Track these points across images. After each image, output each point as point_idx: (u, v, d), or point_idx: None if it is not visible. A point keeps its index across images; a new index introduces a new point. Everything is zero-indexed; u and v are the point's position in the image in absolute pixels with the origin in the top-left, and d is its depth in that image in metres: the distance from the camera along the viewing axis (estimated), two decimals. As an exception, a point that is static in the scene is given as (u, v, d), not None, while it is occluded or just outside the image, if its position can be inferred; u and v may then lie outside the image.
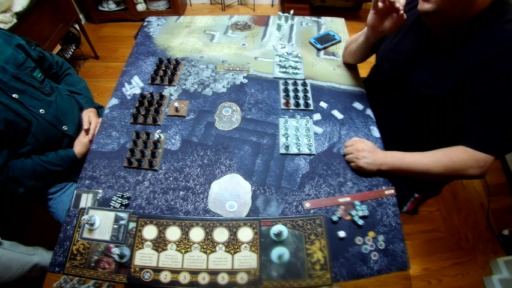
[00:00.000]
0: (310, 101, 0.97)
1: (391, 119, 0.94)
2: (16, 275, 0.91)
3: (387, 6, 0.74)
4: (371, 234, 0.72)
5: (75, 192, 0.78)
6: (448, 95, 0.74)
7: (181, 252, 0.68)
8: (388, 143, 0.88)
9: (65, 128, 0.97)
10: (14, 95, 0.84)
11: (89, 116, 1.03)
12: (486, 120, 0.69)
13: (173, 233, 0.71)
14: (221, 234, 0.71)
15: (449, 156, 0.73)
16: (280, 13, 1.21)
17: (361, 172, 0.80)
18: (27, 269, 0.95)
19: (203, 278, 0.66)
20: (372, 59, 1.02)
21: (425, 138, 0.88)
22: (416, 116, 0.86)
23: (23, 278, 0.93)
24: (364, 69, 1.12)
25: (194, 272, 0.66)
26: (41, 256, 1.02)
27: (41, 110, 0.90)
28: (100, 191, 0.78)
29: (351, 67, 1.09)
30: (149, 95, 0.97)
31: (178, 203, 0.76)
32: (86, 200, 0.76)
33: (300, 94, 0.99)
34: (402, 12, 0.73)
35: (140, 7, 2.66)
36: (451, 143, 0.76)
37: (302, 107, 0.96)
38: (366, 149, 0.79)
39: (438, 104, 0.78)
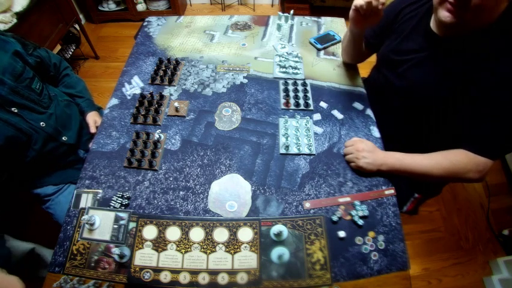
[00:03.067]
0: (310, 101, 0.97)
1: (391, 119, 0.94)
2: (17, 260, 0.94)
3: (369, 9, 0.74)
4: (371, 234, 0.72)
5: (75, 192, 0.78)
6: (449, 98, 0.74)
7: (181, 252, 0.68)
8: (388, 143, 0.88)
9: (64, 138, 0.96)
10: (13, 109, 0.82)
11: (95, 121, 1.04)
12: (486, 124, 0.69)
13: (173, 233, 0.71)
14: (221, 234, 0.71)
15: (449, 159, 0.73)
16: (280, 13, 1.21)
17: (361, 172, 0.80)
18: (26, 254, 0.99)
19: (203, 278, 0.66)
20: (372, 59, 1.02)
21: (425, 139, 0.88)
22: (416, 116, 0.86)
23: (22, 264, 0.97)
24: (364, 69, 1.11)
25: (194, 272, 0.66)
26: (36, 246, 1.07)
27: (41, 123, 0.89)
28: (100, 191, 0.78)
29: (351, 67, 1.09)
30: (149, 95, 0.97)
31: (178, 203, 0.76)
32: (86, 200, 0.76)
33: (300, 94, 0.99)
34: (381, 8, 0.73)
35: (140, 7, 2.66)
36: (451, 143, 0.76)
37: (302, 107, 0.96)
38: (366, 149, 0.79)
39: (438, 106, 0.78)
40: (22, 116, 0.84)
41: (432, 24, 0.76)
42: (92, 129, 1.02)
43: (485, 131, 0.70)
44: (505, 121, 0.67)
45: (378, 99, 0.98)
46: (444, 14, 0.66)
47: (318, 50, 1.16)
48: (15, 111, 0.83)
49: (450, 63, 0.73)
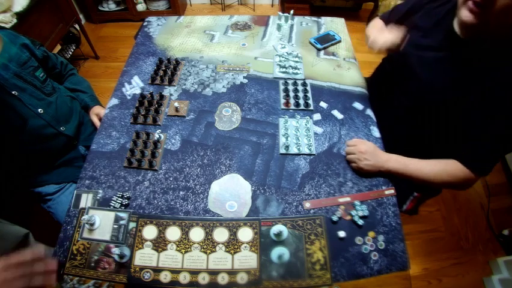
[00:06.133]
0: (310, 101, 0.97)
1: (392, 119, 0.93)
2: (12, 246, 0.91)
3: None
4: (371, 234, 0.72)
5: (75, 192, 0.78)
6: (456, 101, 0.73)
7: (181, 252, 0.68)
8: (388, 144, 0.88)
9: (62, 128, 0.97)
10: (13, 92, 0.84)
11: (98, 113, 1.05)
12: (487, 142, 0.70)
13: (173, 233, 0.71)
14: (221, 234, 0.71)
15: (447, 172, 0.74)
16: (280, 13, 1.22)
17: (361, 172, 0.80)
18: (20, 240, 0.96)
19: (203, 278, 0.66)
20: (373, 59, 1.02)
21: (427, 140, 0.88)
22: (419, 118, 0.85)
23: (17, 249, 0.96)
24: (365, 70, 1.11)
25: (194, 272, 0.66)
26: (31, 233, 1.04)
27: (39, 110, 0.90)
28: (100, 191, 0.78)
29: (351, 67, 1.09)
30: (149, 95, 0.97)
31: (178, 203, 0.76)
32: (86, 200, 0.76)
33: (300, 94, 0.99)
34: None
35: (140, 7, 2.66)
36: (452, 146, 0.76)
37: (302, 107, 0.96)
38: (368, 151, 0.79)
39: (444, 108, 0.77)
40: (22, 100, 0.86)
41: (455, 24, 0.74)
42: (98, 124, 1.03)
43: (485, 149, 0.71)
44: (495, 136, 0.68)
45: (380, 99, 0.98)
46: (465, 14, 0.64)
47: (318, 50, 1.16)
48: (16, 94, 0.85)
49: (466, 67, 0.72)
